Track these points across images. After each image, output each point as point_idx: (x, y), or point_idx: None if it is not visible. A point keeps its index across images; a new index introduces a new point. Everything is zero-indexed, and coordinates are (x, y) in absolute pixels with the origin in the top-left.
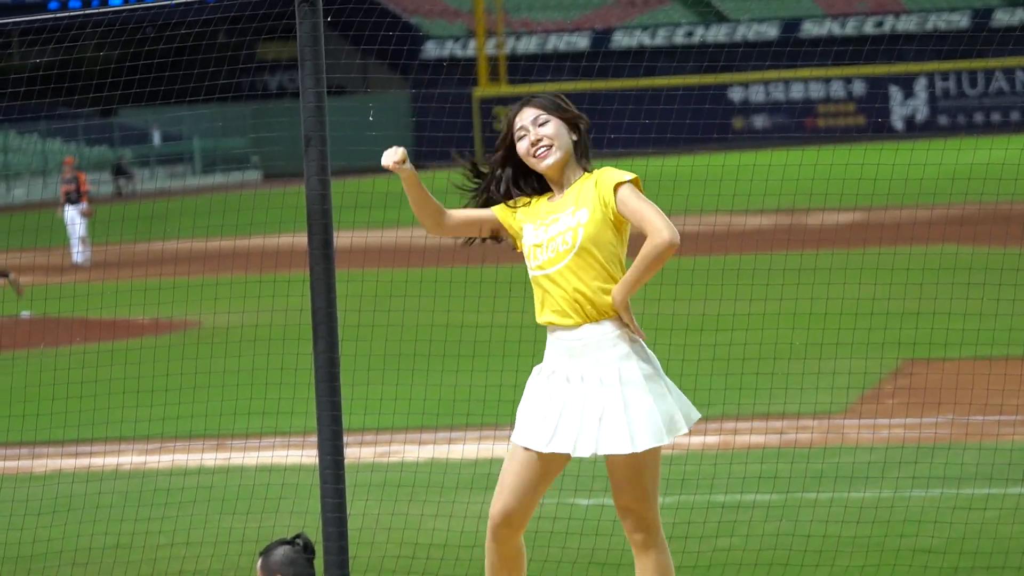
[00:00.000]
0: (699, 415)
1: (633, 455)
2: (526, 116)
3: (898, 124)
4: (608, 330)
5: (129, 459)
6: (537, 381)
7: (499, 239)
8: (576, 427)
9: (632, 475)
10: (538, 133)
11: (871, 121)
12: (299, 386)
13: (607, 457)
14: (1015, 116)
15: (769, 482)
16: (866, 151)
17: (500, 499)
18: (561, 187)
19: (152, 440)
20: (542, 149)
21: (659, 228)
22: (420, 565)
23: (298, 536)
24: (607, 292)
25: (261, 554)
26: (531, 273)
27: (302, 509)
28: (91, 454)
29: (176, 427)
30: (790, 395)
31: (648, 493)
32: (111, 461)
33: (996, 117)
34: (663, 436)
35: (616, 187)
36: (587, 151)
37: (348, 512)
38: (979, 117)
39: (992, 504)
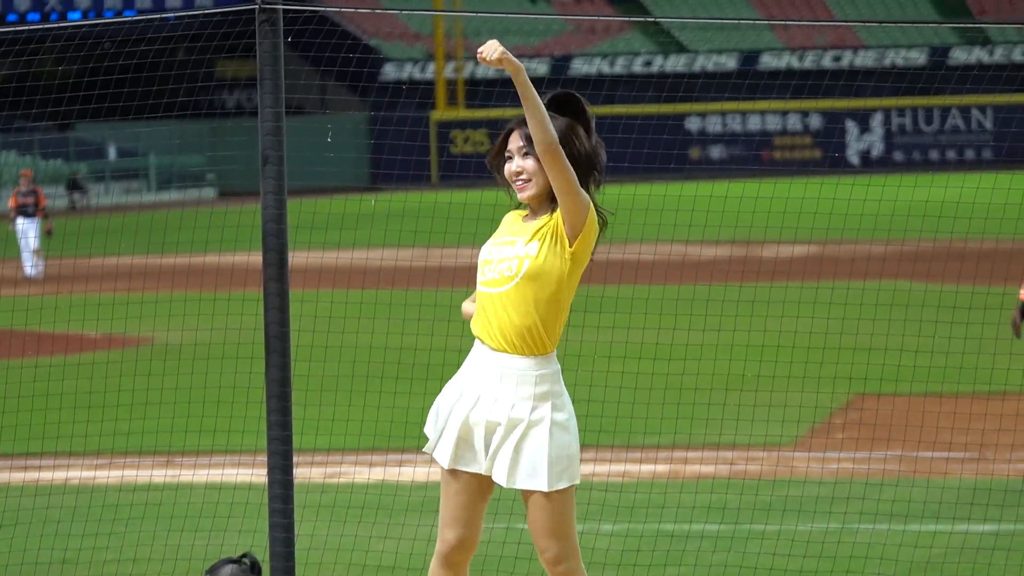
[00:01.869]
0: (579, 480)
1: (539, 492)
2: (515, 141)
3: (854, 159)
4: (531, 366)
5: (78, 474)
6: (451, 394)
7: None
8: (481, 450)
9: (536, 513)
10: (520, 164)
11: (827, 155)
12: (250, 404)
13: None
14: (970, 154)
15: (717, 512)
16: (822, 185)
17: (449, 528)
18: (535, 213)
19: (101, 455)
20: (520, 181)
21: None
22: None
23: (245, 555)
24: (538, 330)
25: (208, 572)
26: (477, 286)
27: (250, 528)
28: (40, 468)
29: (126, 443)
30: (740, 426)
31: (554, 530)
32: (59, 476)
33: (951, 155)
34: (556, 482)
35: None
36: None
37: (296, 532)
38: (934, 154)
39: (938, 542)
